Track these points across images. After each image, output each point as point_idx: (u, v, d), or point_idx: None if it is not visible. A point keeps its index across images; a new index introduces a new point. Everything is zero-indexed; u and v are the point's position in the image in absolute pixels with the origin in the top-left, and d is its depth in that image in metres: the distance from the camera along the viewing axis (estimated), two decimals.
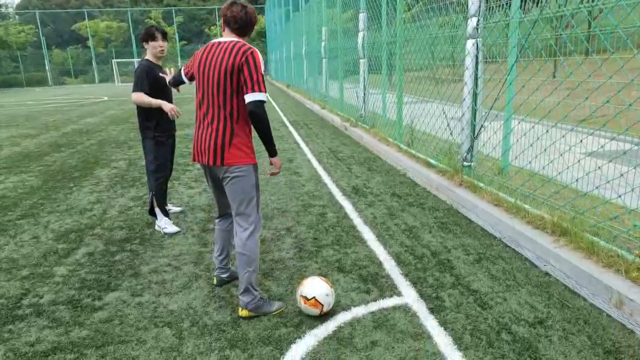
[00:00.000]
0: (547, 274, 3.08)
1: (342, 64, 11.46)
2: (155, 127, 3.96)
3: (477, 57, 4.55)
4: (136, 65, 4.00)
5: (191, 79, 2.89)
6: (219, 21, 47.05)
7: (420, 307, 2.71)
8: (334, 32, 12.49)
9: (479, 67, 4.56)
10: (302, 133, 9.31)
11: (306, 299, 2.61)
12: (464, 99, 4.70)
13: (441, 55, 6.28)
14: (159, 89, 3.90)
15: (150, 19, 45.65)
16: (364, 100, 8.92)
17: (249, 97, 2.46)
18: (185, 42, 47.25)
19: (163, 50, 3.94)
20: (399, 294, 2.88)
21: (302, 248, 3.63)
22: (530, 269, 3.15)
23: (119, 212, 4.67)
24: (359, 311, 2.69)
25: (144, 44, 3.94)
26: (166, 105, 3.79)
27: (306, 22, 16.33)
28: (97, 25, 46.66)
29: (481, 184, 4.47)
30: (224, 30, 2.65)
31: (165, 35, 3.98)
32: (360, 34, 8.59)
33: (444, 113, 5.31)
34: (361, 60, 8.74)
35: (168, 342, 2.45)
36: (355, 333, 2.48)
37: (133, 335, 2.53)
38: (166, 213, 4.19)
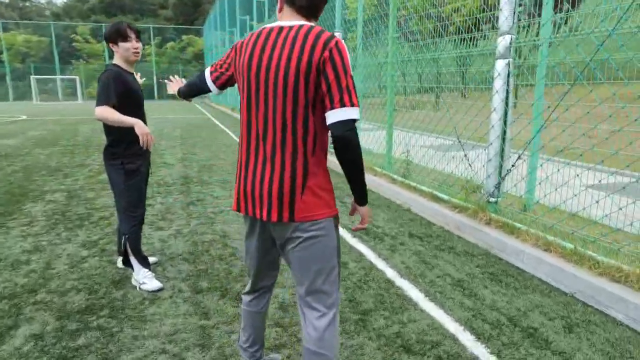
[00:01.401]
0: None
1: None
2: (125, 151, 2.97)
3: (508, 81, 4.02)
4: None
5: (223, 86, 1.99)
6: (154, 40, 45.13)
7: None
8: None
9: (510, 93, 4.04)
10: None
11: None
12: (493, 126, 4.13)
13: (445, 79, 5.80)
14: (131, 102, 2.93)
15: (77, 34, 42.60)
16: None
17: (336, 115, 1.58)
18: None
19: (138, 53, 2.98)
20: None
21: (341, 315, 2.75)
22: (637, 339, 2.52)
23: (70, 265, 3.50)
24: None
25: (111, 45, 2.96)
26: (141, 127, 2.74)
27: None
28: (13, 38, 42.54)
29: (518, 224, 3.87)
30: (280, 11, 1.74)
31: (139, 35, 3.03)
32: None
33: (460, 141, 4.74)
34: None
35: None
36: None
37: None
38: (146, 262, 3.15)
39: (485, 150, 4.33)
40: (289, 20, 1.71)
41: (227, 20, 22.78)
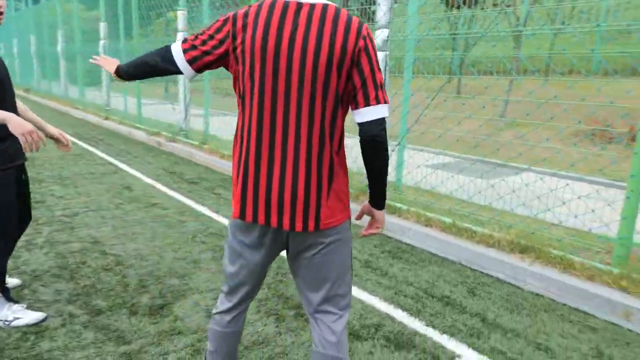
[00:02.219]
0: (538, 294, 3.03)
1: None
2: None
3: (385, 73, 4.33)
4: None
5: (201, 69, 1.56)
6: None
7: None
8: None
9: (386, 84, 4.36)
10: (106, 150, 7.33)
11: None
12: None
13: None
14: None
15: None
16: (186, 113, 7.70)
17: (372, 112, 1.43)
18: None
19: (1, 16, 2.22)
20: (459, 356, 2.32)
21: (277, 314, 2.61)
22: (520, 292, 3.05)
23: None
24: None
25: None
26: (18, 124, 1.98)
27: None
28: None
29: (399, 204, 4.25)
30: None
31: None
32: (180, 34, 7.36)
33: None
34: None
35: None
36: None
37: None
38: (8, 295, 2.43)
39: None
40: None
41: None
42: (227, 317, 1.75)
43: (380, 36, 4.23)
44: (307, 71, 1.40)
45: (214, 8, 7.17)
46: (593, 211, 3.25)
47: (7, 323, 2.34)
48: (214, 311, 1.79)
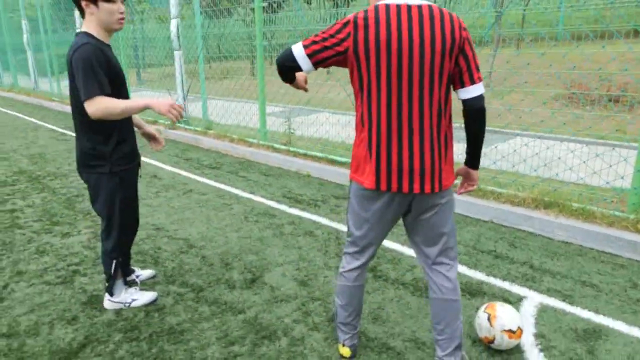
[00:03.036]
0: (567, 242, 3.48)
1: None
2: (114, 153, 2.34)
3: None
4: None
5: (318, 64, 1.82)
6: None
7: (556, 302, 2.65)
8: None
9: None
10: None
11: (512, 332, 2.17)
12: None
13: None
14: (117, 86, 2.31)
15: None
16: (185, 99, 7.74)
17: (477, 89, 1.78)
18: None
19: (123, 20, 2.32)
20: (525, 297, 2.72)
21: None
22: (552, 242, 3.49)
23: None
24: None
25: (84, 4, 2.21)
26: (159, 103, 2.14)
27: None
28: None
29: None
30: None
31: None
32: (173, 22, 7.35)
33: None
34: (176, 53, 7.51)
35: None
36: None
37: None
38: (126, 280, 2.66)
39: None
40: None
41: None
42: (355, 274, 2.08)
43: None
44: (425, 61, 1.71)
45: None
46: (610, 166, 3.71)
47: (127, 305, 2.57)
48: (341, 270, 2.11)
